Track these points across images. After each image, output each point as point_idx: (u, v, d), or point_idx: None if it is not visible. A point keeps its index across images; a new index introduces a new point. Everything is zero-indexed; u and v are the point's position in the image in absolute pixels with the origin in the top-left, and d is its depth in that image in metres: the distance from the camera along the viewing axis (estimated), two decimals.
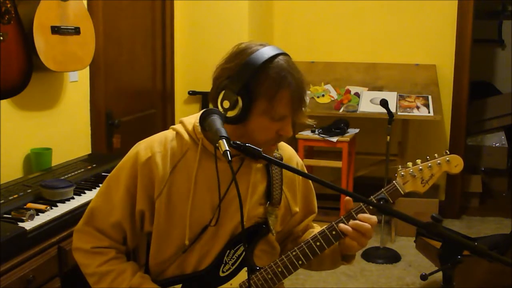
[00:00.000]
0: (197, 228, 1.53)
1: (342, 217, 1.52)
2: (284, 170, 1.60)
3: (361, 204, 1.50)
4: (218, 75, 1.48)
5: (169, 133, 1.58)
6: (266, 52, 1.43)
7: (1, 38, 2.20)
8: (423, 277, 1.47)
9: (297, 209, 1.67)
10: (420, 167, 1.54)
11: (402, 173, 1.54)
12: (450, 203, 4.73)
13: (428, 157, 1.56)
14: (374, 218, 1.51)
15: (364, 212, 1.51)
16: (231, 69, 1.44)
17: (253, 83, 1.41)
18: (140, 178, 1.52)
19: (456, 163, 1.55)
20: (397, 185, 1.53)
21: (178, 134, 1.56)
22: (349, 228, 1.49)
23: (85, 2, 2.92)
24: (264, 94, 1.41)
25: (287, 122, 1.47)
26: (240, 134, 1.45)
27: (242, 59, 1.43)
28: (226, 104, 1.42)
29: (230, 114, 1.42)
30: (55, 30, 2.50)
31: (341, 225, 1.50)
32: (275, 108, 1.42)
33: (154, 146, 1.54)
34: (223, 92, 1.43)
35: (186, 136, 1.54)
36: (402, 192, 1.53)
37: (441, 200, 4.62)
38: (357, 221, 1.49)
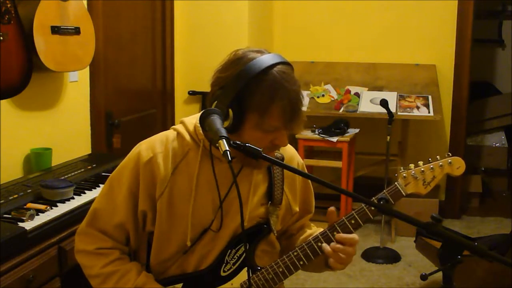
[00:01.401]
0: (199, 228, 1.53)
1: (343, 219, 1.51)
2: (285, 170, 1.60)
3: (363, 204, 1.50)
4: (213, 82, 1.47)
5: (170, 134, 1.57)
6: (261, 62, 1.40)
7: (1, 38, 2.20)
8: (423, 277, 1.47)
9: (297, 209, 1.67)
10: (422, 169, 1.53)
11: (404, 174, 1.53)
12: (450, 203, 4.73)
13: (430, 159, 1.55)
14: (355, 237, 1.49)
15: (364, 214, 1.51)
16: (225, 79, 1.42)
17: (245, 96, 1.39)
18: (142, 179, 1.52)
19: (458, 165, 1.55)
20: (398, 187, 1.52)
21: (179, 134, 1.56)
22: (330, 251, 1.47)
23: (85, 2, 2.92)
24: (255, 108, 1.39)
25: (282, 133, 1.45)
26: None
27: (236, 69, 1.41)
28: None
29: (223, 124, 1.40)
30: (55, 30, 2.50)
31: (325, 246, 1.48)
32: (266, 121, 1.40)
33: (155, 147, 1.54)
34: (215, 102, 1.43)
35: (187, 136, 1.54)
36: (403, 194, 1.52)
37: (441, 200, 4.62)
38: (339, 245, 1.47)
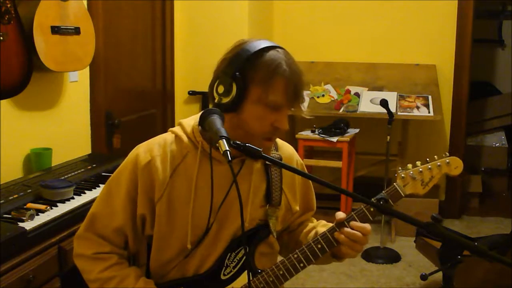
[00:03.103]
0: (198, 231, 1.52)
1: (344, 220, 1.51)
2: (284, 169, 1.59)
3: (362, 205, 1.50)
4: (218, 66, 1.49)
5: (168, 136, 1.56)
6: (264, 43, 1.45)
7: (1, 38, 2.20)
8: (423, 277, 1.47)
9: (298, 208, 1.66)
10: (420, 169, 1.53)
11: (402, 175, 1.53)
12: (450, 203, 4.73)
13: (428, 159, 1.56)
14: (367, 226, 1.50)
15: (364, 215, 1.51)
16: (228, 58, 1.45)
17: (248, 69, 1.41)
18: (141, 182, 1.51)
19: (455, 165, 1.55)
20: (397, 187, 1.52)
21: (177, 137, 1.55)
22: (342, 236, 1.48)
23: (85, 2, 2.92)
24: (258, 81, 1.41)
25: (283, 113, 1.45)
26: (236, 124, 1.44)
27: (239, 48, 1.45)
28: (221, 89, 1.42)
29: (225, 100, 1.41)
30: (55, 30, 2.50)
31: (337, 235, 1.49)
32: (269, 95, 1.41)
33: (153, 150, 1.53)
34: (218, 81, 1.44)
35: (185, 139, 1.53)
36: (402, 194, 1.52)
37: (441, 200, 4.62)
38: (348, 230, 1.48)
